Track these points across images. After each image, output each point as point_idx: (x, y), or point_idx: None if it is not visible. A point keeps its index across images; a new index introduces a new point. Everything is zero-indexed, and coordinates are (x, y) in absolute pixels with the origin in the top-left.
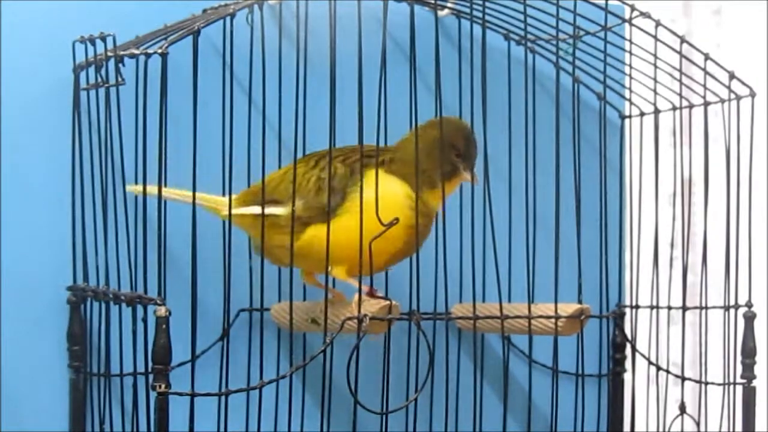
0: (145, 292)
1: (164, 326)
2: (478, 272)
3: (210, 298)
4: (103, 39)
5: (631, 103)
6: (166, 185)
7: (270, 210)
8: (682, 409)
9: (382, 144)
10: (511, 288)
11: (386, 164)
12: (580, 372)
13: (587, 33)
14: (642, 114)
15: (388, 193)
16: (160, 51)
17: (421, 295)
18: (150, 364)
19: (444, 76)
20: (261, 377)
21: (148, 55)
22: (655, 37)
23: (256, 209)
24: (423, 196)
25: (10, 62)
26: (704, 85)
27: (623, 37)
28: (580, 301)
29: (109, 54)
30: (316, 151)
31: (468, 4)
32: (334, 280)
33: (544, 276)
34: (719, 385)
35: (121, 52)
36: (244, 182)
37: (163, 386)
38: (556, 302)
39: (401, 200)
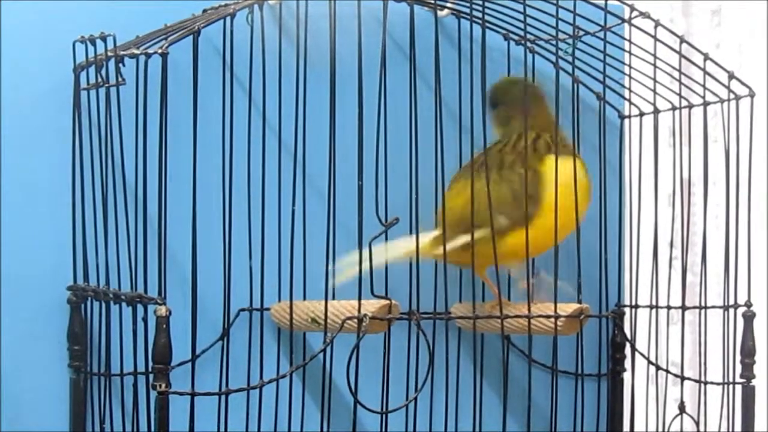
0: (146, 291)
1: (164, 326)
2: None
3: (210, 298)
4: (104, 39)
5: (631, 103)
6: (166, 185)
7: (473, 237)
8: (682, 408)
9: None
10: (511, 287)
11: (553, 147)
12: (579, 371)
13: (587, 33)
14: (641, 114)
15: (572, 178)
16: (160, 51)
17: (420, 294)
18: (150, 363)
19: (444, 76)
20: (261, 377)
21: (148, 55)
22: (654, 37)
23: (462, 239)
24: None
25: (10, 62)
26: (704, 85)
27: (623, 37)
28: (579, 301)
29: (110, 54)
30: (477, 157)
31: (468, 5)
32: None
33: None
34: (718, 384)
35: (122, 52)
36: (244, 182)
37: (163, 385)
38: (555, 302)
39: (582, 175)
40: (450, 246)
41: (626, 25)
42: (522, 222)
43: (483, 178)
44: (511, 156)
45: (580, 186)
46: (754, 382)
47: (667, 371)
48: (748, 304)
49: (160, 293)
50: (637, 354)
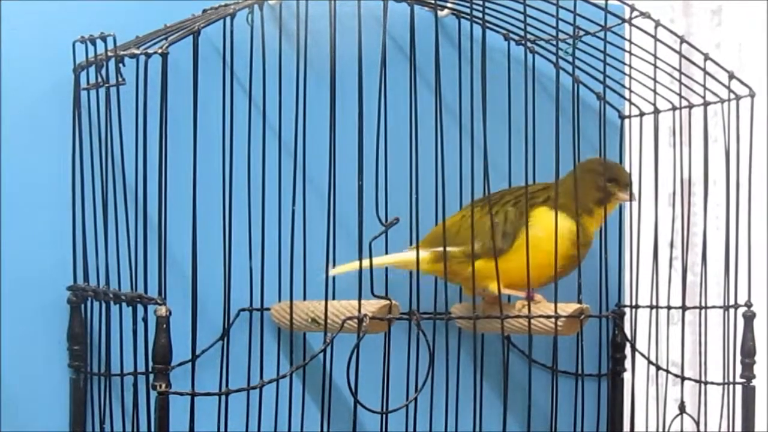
0: (146, 291)
1: (165, 326)
2: None
3: (210, 298)
4: (104, 39)
5: (631, 103)
6: (166, 185)
7: (455, 248)
8: (682, 408)
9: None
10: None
11: (550, 201)
12: (579, 371)
13: (587, 33)
14: (642, 114)
15: (553, 229)
16: (160, 51)
17: (421, 294)
18: (150, 363)
19: (444, 76)
20: (261, 377)
21: (148, 55)
22: (654, 37)
23: (432, 250)
24: (584, 224)
25: (10, 62)
26: (704, 85)
27: (623, 37)
28: (579, 301)
29: (110, 54)
30: (493, 193)
31: (468, 5)
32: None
33: None
34: (719, 384)
35: (122, 52)
36: (244, 182)
37: (163, 386)
38: (555, 302)
39: (564, 234)
40: (423, 253)
41: (626, 25)
42: (491, 253)
43: (477, 207)
44: (511, 197)
45: (559, 237)
46: (754, 382)
47: (668, 371)
48: (749, 304)
49: (160, 293)
50: (637, 354)
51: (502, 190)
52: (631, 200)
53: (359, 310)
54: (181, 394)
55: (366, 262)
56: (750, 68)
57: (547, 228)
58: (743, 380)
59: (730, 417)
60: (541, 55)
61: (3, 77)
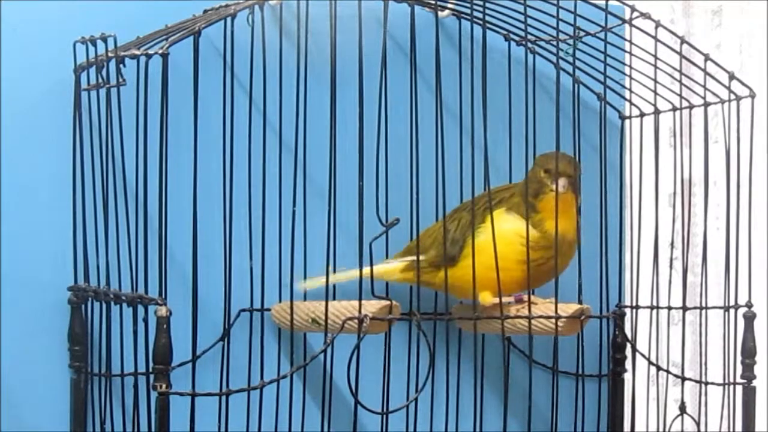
0: (146, 292)
1: (165, 326)
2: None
3: (211, 298)
4: (104, 39)
5: (631, 104)
6: (166, 185)
7: (409, 258)
8: (682, 409)
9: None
10: None
11: (505, 201)
12: (580, 372)
13: (587, 34)
14: (642, 114)
15: (501, 232)
16: (161, 51)
17: (421, 295)
18: (151, 364)
19: (444, 76)
20: (261, 377)
21: (149, 56)
22: (655, 37)
23: (406, 259)
24: (544, 226)
25: (11, 62)
26: (704, 86)
27: (623, 38)
28: (580, 302)
29: (110, 54)
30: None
31: (468, 5)
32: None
33: None
34: (719, 385)
35: (122, 53)
36: (244, 182)
37: (163, 386)
38: (556, 302)
39: (511, 237)
40: (396, 263)
41: (627, 25)
42: (448, 262)
43: (448, 216)
44: (478, 201)
45: (506, 241)
46: (754, 382)
47: (668, 372)
48: (749, 305)
49: (160, 294)
50: (637, 354)
51: (481, 194)
52: (557, 191)
53: (360, 311)
54: (182, 394)
55: (334, 277)
56: (750, 69)
57: (497, 231)
58: (744, 381)
59: (730, 417)
60: (542, 56)
61: (3, 77)
